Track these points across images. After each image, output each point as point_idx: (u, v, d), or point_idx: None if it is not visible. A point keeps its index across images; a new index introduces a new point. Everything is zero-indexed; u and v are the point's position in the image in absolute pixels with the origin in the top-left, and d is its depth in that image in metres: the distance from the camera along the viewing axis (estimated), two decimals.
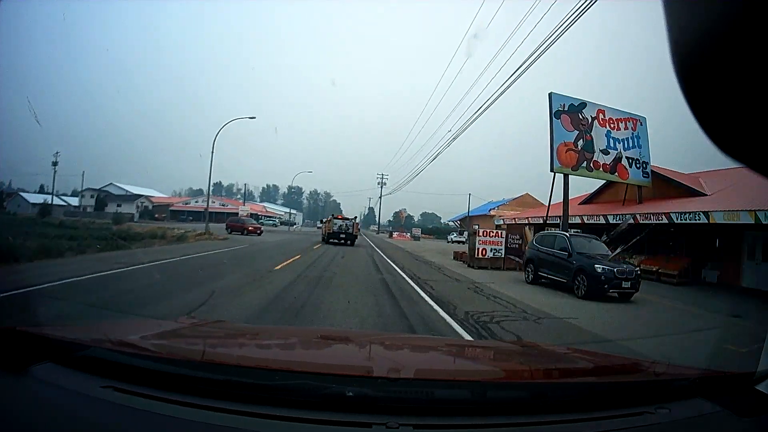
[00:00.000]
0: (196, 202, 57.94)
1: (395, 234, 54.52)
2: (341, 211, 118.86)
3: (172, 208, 58.87)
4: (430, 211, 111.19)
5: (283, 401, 1.04)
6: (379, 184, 62.17)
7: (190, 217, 51.82)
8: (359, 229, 26.98)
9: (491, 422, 1.05)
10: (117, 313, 5.04)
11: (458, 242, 37.57)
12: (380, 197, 64.20)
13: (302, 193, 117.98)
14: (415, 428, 0.99)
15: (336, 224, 24.80)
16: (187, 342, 1.70)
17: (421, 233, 57.77)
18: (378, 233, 67.20)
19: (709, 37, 0.47)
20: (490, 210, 48.00)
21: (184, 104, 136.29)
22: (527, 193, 49.05)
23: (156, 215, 52.52)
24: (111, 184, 57.15)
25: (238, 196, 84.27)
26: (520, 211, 45.13)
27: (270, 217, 63.00)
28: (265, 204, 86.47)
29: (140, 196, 57.54)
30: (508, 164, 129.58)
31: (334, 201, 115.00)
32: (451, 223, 66.24)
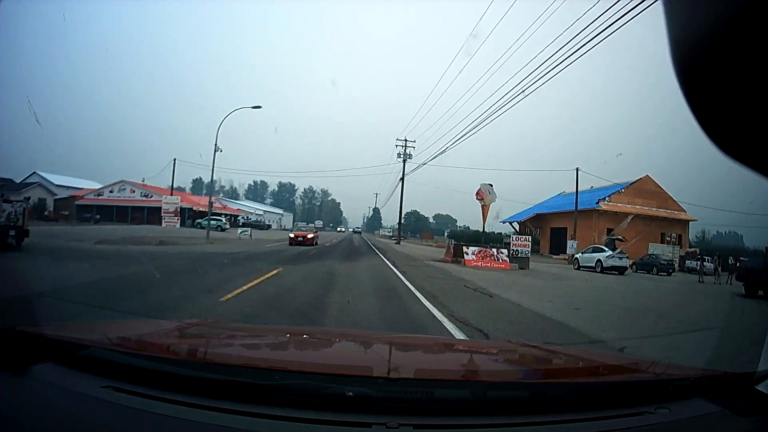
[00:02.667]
0: (111, 192, 41.02)
1: (472, 254, 18.36)
2: (341, 212, 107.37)
3: (79, 203, 40.20)
4: (444, 213, 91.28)
5: (283, 401, 1.04)
6: (399, 156, 35.76)
7: (98, 215, 36.30)
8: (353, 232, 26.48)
9: (491, 422, 1.05)
10: (117, 313, 5.03)
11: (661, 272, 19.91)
12: (402, 179, 36.15)
13: (295, 190, 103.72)
14: (415, 428, 0.99)
15: None
16: (187, 342, 1.70)
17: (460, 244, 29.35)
18: (397, 242, 39.31)
19: (709, 37, 0.46)
20: (598, 202, 29.35)
21: (184, 104, 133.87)
22: (647, 176, 31.70)
23: (47, 212, 34.88)
24: (34, 173, 42.16)
25: (221, 195, 71.14)
26: (640, 204, 28.79)
27: (219, 216, 38.10)
28: (244, 202, 70.21)
29: (31, 185, 38.07)
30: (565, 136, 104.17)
31: (333, 200, 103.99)
32: (509, 226, 39.55)
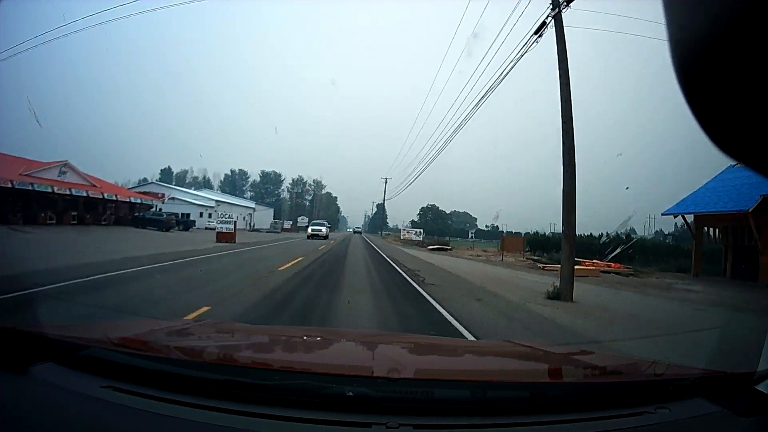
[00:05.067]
0: None
1: None
2: (338, 209, 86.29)
3: None
4: (462, 210, 70.56)
5: (283, 401, 1.04)
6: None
7: None
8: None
9: (491, 422, 1.05)
10: (117, 313, 5.03)
11: None
12: None
13: (281, 181, 78.34)
14: (415, 428, 0.99)
15: None
16: (187, 342, 1.70)
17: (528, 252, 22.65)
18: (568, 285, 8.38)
19: (709, 37, 0.47)
20: None
21: (184, 102, 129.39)
22: None
23: None
24: None
25: (193, 188, 58.40)
26: None
27: None
28: (202, 192, 50.85)
29: None
30: None
31: (329, 194, 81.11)
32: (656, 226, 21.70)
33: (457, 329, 5.49)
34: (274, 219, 56.68)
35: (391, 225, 68.28)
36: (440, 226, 55.33)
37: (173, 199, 38.58)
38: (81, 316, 4.73)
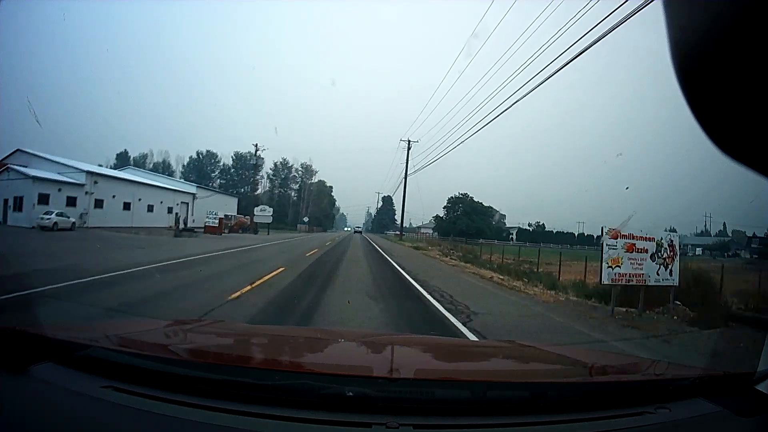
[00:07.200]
0: None
1: None
2: (334, 202, 67.79)
3: None
4: (486, 203, 50.12)
5: (283, 401, 1.04)
6: None
7: None
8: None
9: (491, 422, 1.05)
10: (117, 313, 5.03)
11: None
12: None
13: (261, 167, 56.63)
14: (415, 428, 0.99)
15: None
16: (187, 342, 1.70)
17: None
18: None
19: (709, 37, 0.47)
20: None
21: (184, 102, 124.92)
22: None
23: None
24: None
25: (171, 173, 49.24)
26: None
27: None
28: (123, 174, 32.02)
29: None
30: None
31: (322, 183, 64.03)
32: None
33: None
34: (238, 211, 40.88)
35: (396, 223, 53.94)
36: (477, 224, 39.82)
37: (8, 170, 23.78)
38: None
